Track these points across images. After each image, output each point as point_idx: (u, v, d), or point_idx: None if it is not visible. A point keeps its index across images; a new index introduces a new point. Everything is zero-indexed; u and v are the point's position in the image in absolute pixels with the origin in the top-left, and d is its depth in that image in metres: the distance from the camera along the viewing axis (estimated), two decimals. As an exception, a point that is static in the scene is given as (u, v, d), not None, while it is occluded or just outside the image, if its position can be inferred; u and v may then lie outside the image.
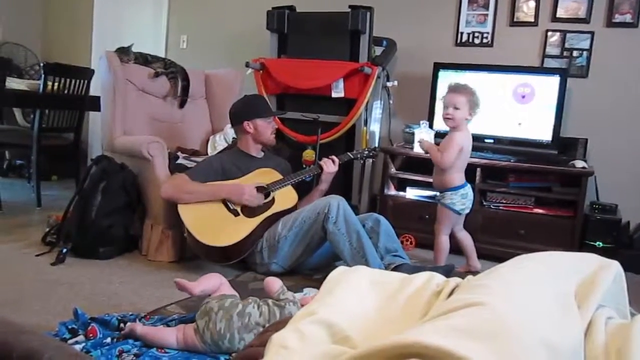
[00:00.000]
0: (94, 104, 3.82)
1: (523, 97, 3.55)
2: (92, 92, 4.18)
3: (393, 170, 3.79)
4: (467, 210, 2.99)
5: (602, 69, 3.65)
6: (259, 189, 2.79)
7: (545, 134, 3.47)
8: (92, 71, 4.25)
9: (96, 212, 2.81)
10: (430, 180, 3.08)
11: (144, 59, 3.49)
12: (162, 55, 4.75)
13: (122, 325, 1.89)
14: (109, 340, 1.80)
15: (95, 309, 2.07)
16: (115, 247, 2.88)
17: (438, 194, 2.99)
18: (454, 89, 2.86)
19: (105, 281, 2.51)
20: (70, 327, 1.84)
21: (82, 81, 4.11)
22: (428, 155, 3.00)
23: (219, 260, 2.71)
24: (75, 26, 5.48)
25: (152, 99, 3.47)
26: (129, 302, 2.24)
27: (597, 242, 3.27)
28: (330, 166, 2.94)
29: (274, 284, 1.88)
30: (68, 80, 3.99)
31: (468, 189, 2.95)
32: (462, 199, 2.91)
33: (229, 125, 3.62)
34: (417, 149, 3.08)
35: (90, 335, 1.79)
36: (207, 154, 3.46)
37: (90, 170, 2.95)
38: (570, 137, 3.59)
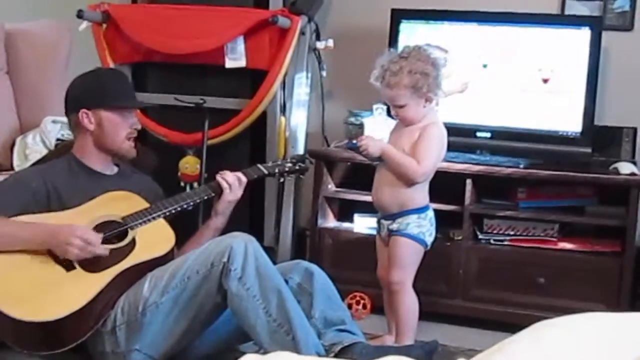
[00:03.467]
0: None
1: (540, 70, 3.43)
2: None
3: (331, 187, 3.59)
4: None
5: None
6: (108, 224, 2.58)
7: (571, 123, 3.39)
8: None
9: None
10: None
11: None
12: None
13: None
14: None
15: None
16: None
17: (387, 220, 2.90)
18: (385, 82, 2.82)
19: None
20: None
21: None
22: (373, 161, 2.89)
23: (37, 348, 2.45)
24: None
25: None
26: None
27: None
28: (235, 189, 2.77)
29: None
30: None
31: (431, 211, 2.91)
32: (431, 226, 2.86)
33: (51, 118, 3.44)
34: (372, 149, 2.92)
35: None
36: (12, 168, 3.30)
37: None
38: (609, 125, 3.52)
